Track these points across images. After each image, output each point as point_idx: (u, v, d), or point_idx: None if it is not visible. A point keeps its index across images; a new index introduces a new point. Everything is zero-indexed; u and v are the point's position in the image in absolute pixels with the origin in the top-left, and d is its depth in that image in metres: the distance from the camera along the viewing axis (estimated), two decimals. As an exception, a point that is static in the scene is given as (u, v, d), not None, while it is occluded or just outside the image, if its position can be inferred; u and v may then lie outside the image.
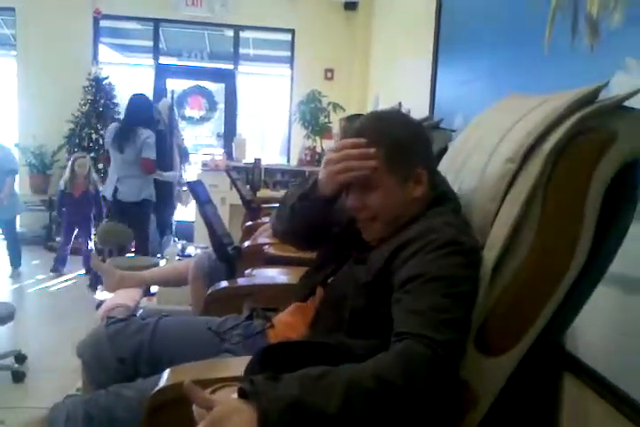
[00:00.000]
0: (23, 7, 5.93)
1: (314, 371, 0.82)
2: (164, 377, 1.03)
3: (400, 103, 3.07)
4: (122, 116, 4.73)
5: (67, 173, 4.66)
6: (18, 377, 2.69)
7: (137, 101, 4.20)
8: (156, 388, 1.00)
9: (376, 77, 5.49)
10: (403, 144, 1.09)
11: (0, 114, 6.47)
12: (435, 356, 0.82)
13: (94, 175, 4.82)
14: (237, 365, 0.99)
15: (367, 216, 1.11)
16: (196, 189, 1.99)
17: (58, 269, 4.67)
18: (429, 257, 0.96)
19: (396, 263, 1.01)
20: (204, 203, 1.99)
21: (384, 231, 1.11)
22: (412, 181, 1.10)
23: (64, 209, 4.70)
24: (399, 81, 4.30)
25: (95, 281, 4.11)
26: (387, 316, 0.95)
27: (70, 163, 4.70)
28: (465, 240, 1.00)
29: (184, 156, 5.43)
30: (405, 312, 0.91)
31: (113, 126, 4.20)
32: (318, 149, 5.48)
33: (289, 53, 6.39)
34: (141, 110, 4.16)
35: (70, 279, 4.59)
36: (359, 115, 2.36)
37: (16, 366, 2.78)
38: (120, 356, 1.30)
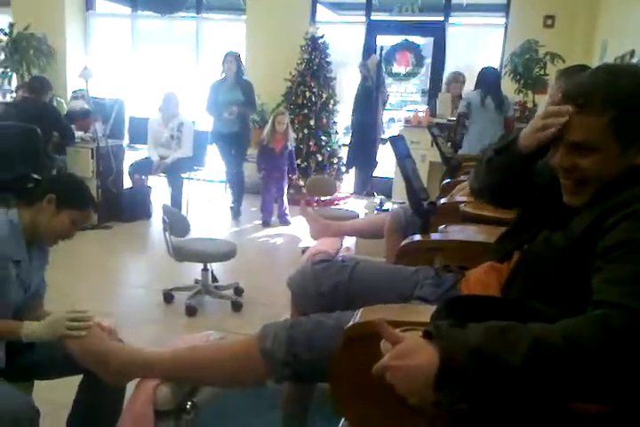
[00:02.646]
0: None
1: (501, 324, 0.83)
2: (358, 314, 1.11)
3: (633, 51, 2.68)
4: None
5: (267, 128, 4.95)
6: (236, 307, 3.12)
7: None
8: (350, 323, 1.09)
9: (605, 23, 4.84)
10: (634, 106, 0.99)
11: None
12: (634, 327, 0.78)
13: (292, 132, 5.07)
14: (428, 311, 1.03)
15: (577, 179, 1.05)
16: (397, 143, 2.03)
17: (266, 221, 5.01)
18: (635, 226, 0.90)
19: (599, 231, 0.96)
20: (404, 157, 2.03)
21: (590, 196, 1.04)
22: (636, 146, 1.00)
23: (262, 164, 4.97)
24: (634, 24, 3.73)
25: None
26: (584, 285, 0.91)
27: (271, 119, 4.97)
28: None
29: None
30: (606, 281, 0.87)
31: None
32: (529, 105, 5.10)
33: (504, 0, 5.96)
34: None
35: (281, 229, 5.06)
36: (582, 67, 2.13)
37: (235, 297, 3.22)
38: (322, 290, 1.46)
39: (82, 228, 4.35)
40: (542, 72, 4.97)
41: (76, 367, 1.53)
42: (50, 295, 1.70)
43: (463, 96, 4.85)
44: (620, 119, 0.98)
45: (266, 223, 5.01)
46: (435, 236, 1.86)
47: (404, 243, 1.82)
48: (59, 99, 6.33)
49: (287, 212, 5.04)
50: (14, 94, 6.13)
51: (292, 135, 5.10)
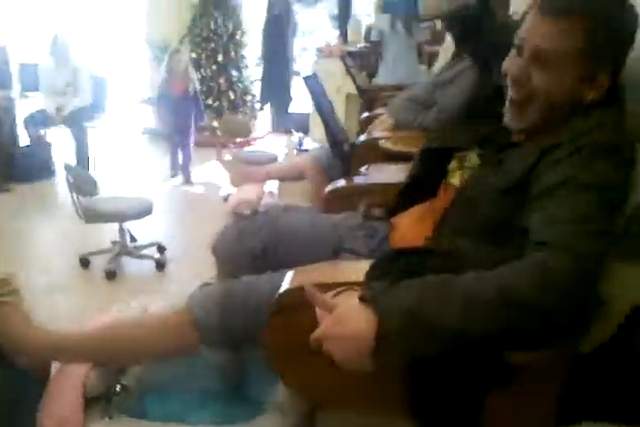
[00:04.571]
0: None
1: (434, 279, 0.80)
2: (287, 280, 1.05)
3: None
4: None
5: (163, 70, 4.36)
6: (160, 266, 2.98)
7: None
8: (279, 291, 1.03)
9: None
10: (608, 31, 0.90)
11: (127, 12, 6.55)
12: (576, 269, 0.75)
13: (192, 71, 4.49)
14: (359, 269, 0.99)
15: (523, 94, 0.96)
16: (311, 83, 1.90)
17: (176, 174, 4.58)
18: (578, 162, 0.85)
19: (540, 169, 0.90)
20: (320, 97, 1.92)
21: (532, 121, 0.98)
22: (591, 82, 0.93)
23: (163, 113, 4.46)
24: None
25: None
26: (521, 226, 0.88)
27: (166, 60, 4.38)
28: (619, 143, 0.87)
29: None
30: (545, 221, 0.83)
31: None
32: (439, 27, 4.99)
33: None
34: None
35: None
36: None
37: (157, 255, 3.08)
38: (247, 251, 1.36)
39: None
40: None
41: None
42: None
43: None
44: (596, 37, 0.90)
45: (174, 175, 4.58)
46: (357, 179, 1.79)
47: (327, 190, 1.74)
48: None
49: (190, 168, 4.52)
50: None
51: (194, 75, 4.55)
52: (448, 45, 3.01)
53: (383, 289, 0.80)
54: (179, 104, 4.30)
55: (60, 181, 4.41)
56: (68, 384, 1.24)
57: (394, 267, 0.90)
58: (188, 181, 4.46)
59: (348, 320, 0.79)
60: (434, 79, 2.47)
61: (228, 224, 1.46)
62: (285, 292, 1.02)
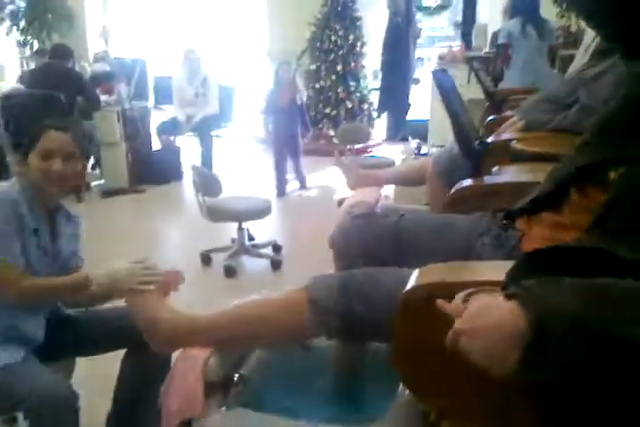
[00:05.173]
0: None
1: (599, 281, 0.66)
2: (414, 276, 0.98)
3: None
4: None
5: (272, 81, 4.33)
6: (276, 265, 3.03)
7: None
8: (405, 289, 0.95)
9: None
10: None
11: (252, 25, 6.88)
12: None
13: (300, 83, 4.41)
14: (493, 268, 0.90)
15: None
16: (440, 77, 1.82)
17: (280, 191, 4.39)
18: None
19: None
20: (450, 92, 1.82)
21: None
22: None
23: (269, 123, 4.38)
24: None
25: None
26: None
27: (274, 71, 4.35)
28: None
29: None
30: None
31: None
32: (573, 29, 4.68)
33: None
34: None
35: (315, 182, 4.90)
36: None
37: (273, 254, 3.13)
38: (366, 248, 1.32)
39: (115, 192, 4.40)
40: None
41: (118, 342, 1.47)
42: (86, 265, 1.61)
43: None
44: None
45: (280, 193, 4.37)
46: (489, 179, 1.67)
47: (454, 189, 1.64)
48: (82, 63, 6.19)
49: (304, 174, 4.47)
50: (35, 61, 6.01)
51: (301, 87, 4.43)
52: (587, 45, 2.79)
53: (534, 286, 0.68)
54: (285, 114, 4.22)
55: (188, 183, 4.68)
56: (191, 368, 1.26)
57: (543, 266, 0.80)
58: (303, 186, 4.48)
59: (488, 311, 0.69)
60: (573, 78, 2.29)
61: (347, 219, 1.42)
62: (413, 288, 0.94)
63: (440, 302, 0.75)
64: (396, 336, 0.95)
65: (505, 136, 2.27)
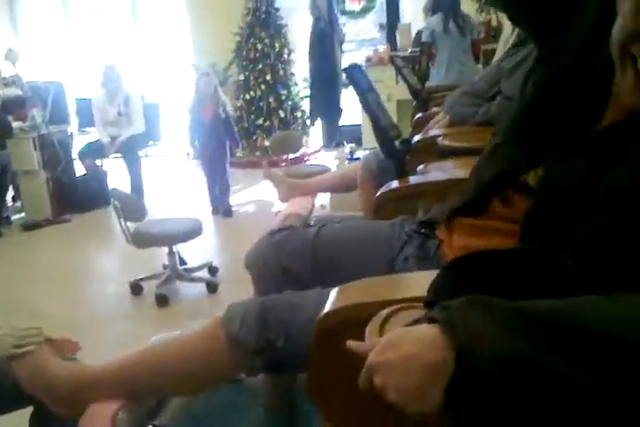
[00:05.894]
0: None
1: (534, 305, 0.55)
2: (332, 299, 0.88)
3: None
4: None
5: (193, 95, 4.05)
6: (212, 288, 2.85)
7: None
8: (323, 311, 0.86)
9: None
10: None
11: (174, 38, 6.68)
12: None
13: (223, 95, 4.11)
14: (417, 282, 0.82)
15: None
16: (354, 74, 1.70)
17: (215, 209, 4.19)
18: None
19: None
20: (366, 91, 1.71)
21: None
22: None
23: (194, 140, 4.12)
24: None
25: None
26: None
27: (194, 85, 4.07)
28: None
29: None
30: None
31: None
32: (494, 23, 4.74)
33: None
34: None
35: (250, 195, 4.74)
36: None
37: (208, 277, 2.95)
38: (284, 265, 1.21)
39: (37, 225, 4.10)
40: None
41: (23, 399, 1.28)
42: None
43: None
44: None
45: (215, 211, 4.17)
46: (413, 179, 1.57)
47: (379, 193, 1.54)
48: (-9, 88, 5.84)
49: (230, 200, 4.18)
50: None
51: (224, 99, 4.12)
52: (506, 38, 2.78)
53: (460, 309, 0.56)
54: (209, 129, 3.98)
55: (115, 208, 4.44)
56: (98, 424, 1.09)
57: (464, 278, 0.68)
58: (228, 214, 4.11)
59: (404, 340, 0.58)
60: (492, 70, 2.24)
61: (264, 237, 1.28)
62: (329, 313, 0.85)
63: (350, 342, 0.65)
64: (310, 366, 0.86)
65: (432, 133, 2.21)
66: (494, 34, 4.60)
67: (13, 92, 5.14)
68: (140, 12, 6.68)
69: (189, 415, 1.27)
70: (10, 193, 4.50)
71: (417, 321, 0.60)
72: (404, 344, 0.57)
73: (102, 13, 6.95)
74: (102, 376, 1.12)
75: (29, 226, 4.15)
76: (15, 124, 4.33)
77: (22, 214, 4.41)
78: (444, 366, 0.53)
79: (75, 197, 4.43)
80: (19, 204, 4.57)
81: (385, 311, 0.71)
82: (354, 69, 1.65)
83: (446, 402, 0.54)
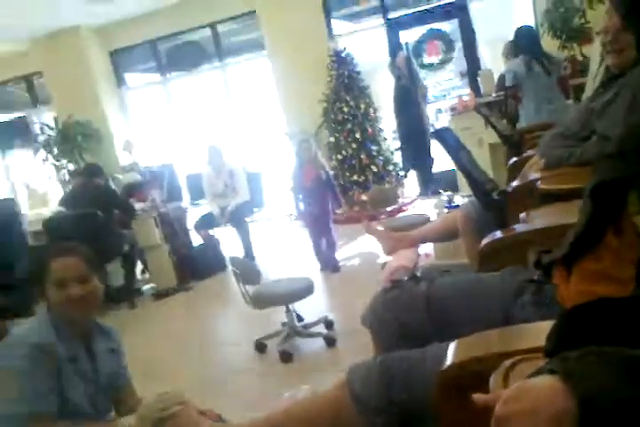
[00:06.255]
0: (262, 9, 6.46)
1: None
2: (450, 353, 0.93)
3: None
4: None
5: (294, 160, 4.33)
6: (330, 342, 2.95)
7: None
8: (443, 366, 0.91)
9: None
10: None
11: (267, 111, 7.20)
12: None
13: (321, 158, 4.37)
14: (534, 333, 0.86)
15: None
16: (443, 136, 1.81)
17: (325, 266, 4.34)
18: None
19: None
20: (456, 150, 1.81)
21: None
22: None
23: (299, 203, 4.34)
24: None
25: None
26: None
27: (295, 151, 4.35)
28: None
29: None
30: None
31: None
32: (579, 58, 4.68)
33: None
34: None
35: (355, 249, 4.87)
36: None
37: (326, 332, 3.06)
38: (401, 322, 1.28)
39: (165, 294, 4.47)
40: (582, 20, 4.55)
41: None
42: (146, 369, 1.60)
43: (505, 69, 4.52)
44: None
45: (323, 267, 4.34)
46: (519, 227, 1.59)
47: (483, 244, 1.57)
48: (115, 175, 6.55)
49: (337, 256, 4.37)
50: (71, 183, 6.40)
51: (323, 161, 4.39)
52: (594, 73, 2.77)
53: (575, 361, 0.61)
54: (312, 192, 4.20)
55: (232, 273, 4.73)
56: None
57: (583, 326, 0.74)
58: (335, 270, 4.27)
59: (528, 394, 0.62)
60: (583, 110, 2.25)
61: (377, 295, 1.38)
62: (450, 366, 0.90)
63: (476, 396, 0.69)
64: (438, 418, 0.90)
65: (530, 177, 2.21)
66: (581, 68, 4.54)
67: (133, 177, 5.78)
68: (235, 93, 7.29)
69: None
70: (139, 267, 4.96)
71: (537, 372, 0.64)
72: (528, 396, 0.61)
73: (200, 94, 7.68)
74: None
75: (159, 295, 4.55)
76: (137, 206, 4.83)
77: (151, 285, 4.83)
78: (567, 417, 0.58)
79: (194, 266, 4.81)
80: (147, 275, 5.02)
81: (507, 363, 0.76)
82: (442, 132, 1.77)
83: None
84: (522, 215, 1.69)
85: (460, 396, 0.87)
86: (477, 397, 0.70)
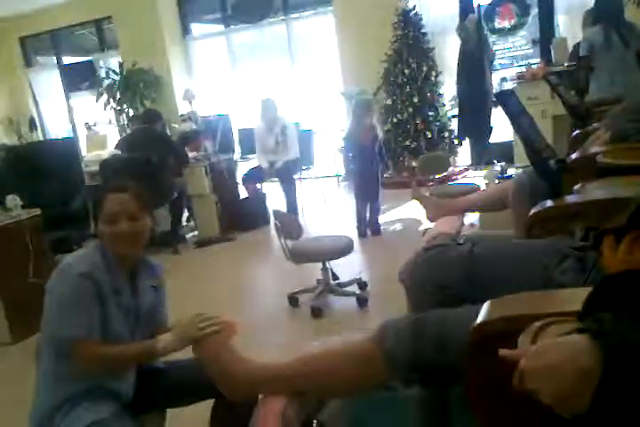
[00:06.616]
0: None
1: None
2: (483, 312, 0.92)
3: None
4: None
5: (352, 121, 4.26)
6: (362, 302, 2.97)
7: None
8: (475, 323, 0.90)
9: None
10: None
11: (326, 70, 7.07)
12: None
13: (377, 124, 4.30)
14: (569, 298, 0.84)
15: None
16: (506, 100, 1.72)
17: (363, 232, 4.29)
18: None
19: None
20: (517, 115, 1.73)
21: None
22: None
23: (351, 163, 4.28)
24: None
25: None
26: None
27: (352, 112, 4.28)
28: None
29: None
30: None
31: None
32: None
33: None
34: None
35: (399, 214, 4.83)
36: None
37: (359, 292, 3.08)
38: (439, 282, 1.27)
39: (208, 242, 4.57)
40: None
41: (206, 391, 1.46)
42: (184, 309, 1.65)
43: (581, 38, 4.25)
44: None
45: (362, 234, 4.28)
46: (570, 198, 1.53)
47: (532, 212, 1.52)
48: (172, 124, 6.66)
49: (379, 220, 4.33)
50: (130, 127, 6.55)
51: (377, 124, 4.33)
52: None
53: (606, 320, 0.62)
54: (366, 154, 4.15)
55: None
56: (269, 416, 1.23)
57: (620, 293, 0.71)
58: (376, 233, 4.26)
59: (554, 348, 0.63)
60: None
61: (419, 252, 1.36)
62: (481, 324, 0.89)
63: (503, 351, 0.70)
64: (467, 375, 0.89)
65: (592, 150, 2.11)
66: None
67: (189, 126, 5.84)
68: (296, 49, 7.19)
69: (348, 414, 1.36)
70: (185, 214, 5.09)
71: (568, 333, 0.64)
72: (555, 352, 0.62)
73: (263, 49, 7.61)
74: (273, 375, 1.26)
75: (201, 243, 4.66)
76: (191, 155, 4.91)
77: (195, 233, 4.95)
78: (591, 374, 0.58)
79: (239, 218, 4.88)
80: (192, 223, 5.15)
81: (538, 323, 0.75)
82: (504, 95, 1.68)
83: (595, 404, 0.58)
84: (576, 187, 1.62)
85: (488, 355, 0.86)
86: (504, 352, 0.70)
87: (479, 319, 0.90)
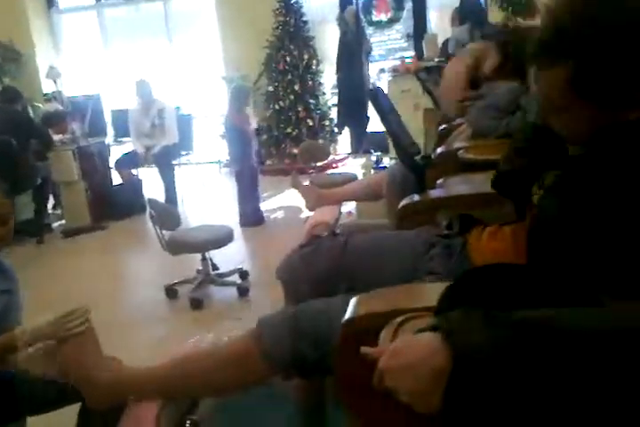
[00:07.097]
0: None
1: (532, 314, 0.63)
2: (350, 308, 0.95)
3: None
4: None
5: (233, 107, 4.21)
6: (243, 292, 2.96)
7: None
8: (343, 319, 0.93)
9: None
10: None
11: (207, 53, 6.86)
12: None
13: (250, 108, 4.35)
14: (433, 292, 0.86)
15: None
16: (376, 97, 1.79)
17: (246, 221, 4.18)
18: None
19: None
20: (386, 112, 1.80)
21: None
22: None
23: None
24: None
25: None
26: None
27: (232, 96, 4.25)
28: None
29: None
30: None
31: None
32: (521, 33, 4.73)
33: None
34: None
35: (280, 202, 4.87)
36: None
37: (240, 282, 3.06)
38: (314, 277, 1.29)
39: (76, 232, 4.28)
40: (529, -6, 4.58)
41: (72, 396, 1.37)
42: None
43: (449, 36, 4.52)
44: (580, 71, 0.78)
45: (244, 223, 4.17)
46: (433, 193, 1.64)
47: (401, 205, 1.62)
48: (35, 103, 6.09)
49: (261, 208, 4.31)
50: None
51: (253, 114, 4.49)
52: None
53: (456, 318, 0.64)
54: (244, 139, 4.10)
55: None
56: (142, 420, 1.19)
57: (472, 291, 0.76)
58: (258, 222, 4.19)
59: (409, 348, 0.65)
60: (515, 86, 2.30)
61: (294, 249, 1.38)
62: (348, 321, 0.91)
63: (364, 349, 0.72)
64: (335, 369, 0.91)
65: (454, 145, 2.26)
66: (521, 43, 4.59)
67: (54, 106, 5.39)
68: (174, 29, 6.88)
69: (224, 411, 1.36)
70: (50, 202, 4.71)
71: (424, 329, 0.67)
72: (411, 351, 0.64)
73: (137, 28, 7.19)
74: (142, 378, 1.22)
75: (69, 233, 4.35)
76: (56, 137, 4.53)
77: (62, 222, 4.61)
78: (444, 373, 0.61)
79: (112, 206, 4.61)
80: (59, 211, 4.78)
81: (398, 319, 0.78)
82: (377, 93, 1.75)
83: (446, 402, 0.61)
84: (439, 181, 1.73)
85: (357, 348, 0.89)
86: (365, 349, 0.72)
87: (346, 316, 0.92)
